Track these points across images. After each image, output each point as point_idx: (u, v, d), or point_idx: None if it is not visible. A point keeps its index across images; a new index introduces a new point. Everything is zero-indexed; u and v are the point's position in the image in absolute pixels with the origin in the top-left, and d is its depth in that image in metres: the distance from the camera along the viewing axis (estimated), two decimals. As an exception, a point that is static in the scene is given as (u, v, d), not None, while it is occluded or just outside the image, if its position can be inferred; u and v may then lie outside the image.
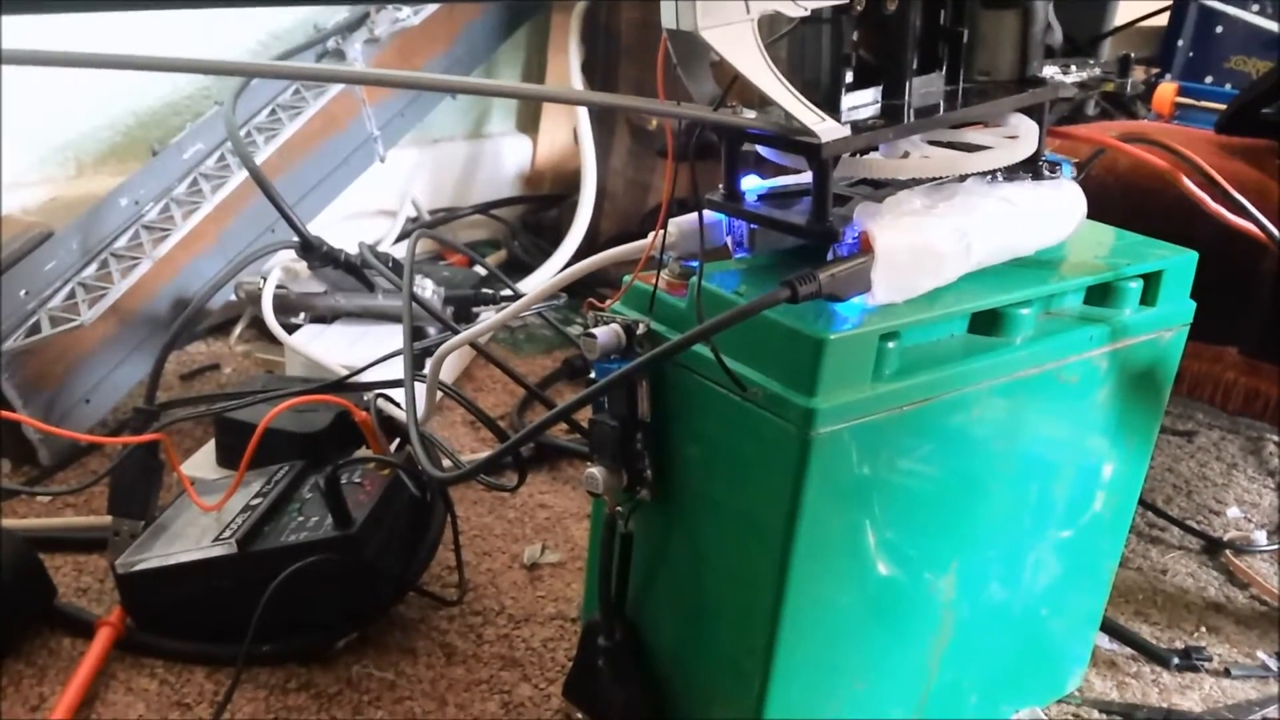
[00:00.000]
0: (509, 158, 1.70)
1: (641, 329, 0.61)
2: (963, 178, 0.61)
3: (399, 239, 1.51)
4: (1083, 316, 0.65)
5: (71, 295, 1.00)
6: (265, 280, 1.06)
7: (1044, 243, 0.64)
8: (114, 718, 0.74)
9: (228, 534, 0.79)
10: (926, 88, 0.61)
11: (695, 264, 0.61)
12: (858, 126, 0.56)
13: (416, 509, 0.85)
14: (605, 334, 0.61)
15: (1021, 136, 0.62)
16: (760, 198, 0.63)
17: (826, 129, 0.53)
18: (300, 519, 0.80)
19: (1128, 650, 0.85)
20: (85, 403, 1.03)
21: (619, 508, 0.65)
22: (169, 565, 0.79)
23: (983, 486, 0.65)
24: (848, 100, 0.58)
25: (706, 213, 0.63)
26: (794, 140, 0.55)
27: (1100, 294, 0.65)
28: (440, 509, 0.87)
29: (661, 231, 0.62)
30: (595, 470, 0.63)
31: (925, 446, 0.60)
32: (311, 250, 1.02)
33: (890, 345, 0.57)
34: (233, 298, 1.15)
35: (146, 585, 0.80)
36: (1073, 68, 0.69)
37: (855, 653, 0.64)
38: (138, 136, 1.27)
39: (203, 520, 0.83)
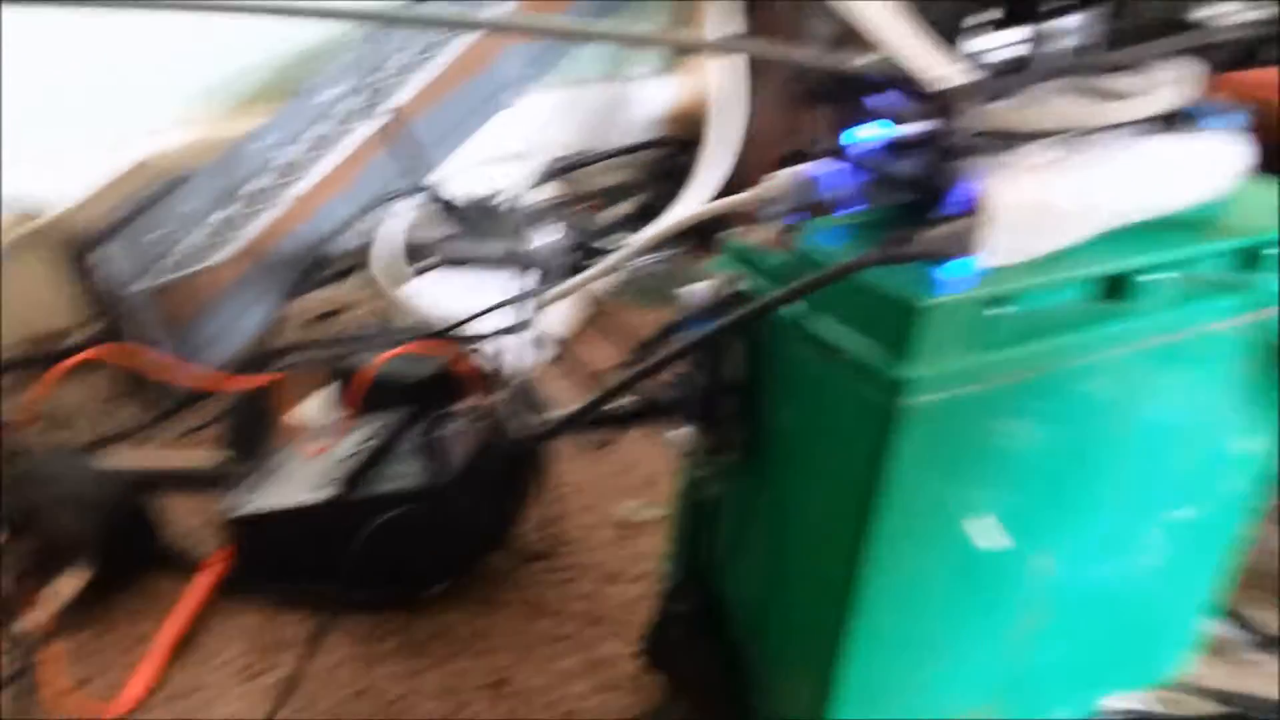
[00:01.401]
0: (652, 100, 1.66)
1: (737, 286, 0.57)
2: (1103, 129, 0.55)
3: (535, 183, 1.49)
4: (1222, 282, 0.58)
5: (204, 237, 1.02)
6: (387, 226, 1.06)
7: (1192, 200, 0.56)
8: (212, 652, 0.76)
9: (329, 480, 0.79)
10: (1069, 29, 0.54)
11: (800, 218, 0.57)
12: (984, 73, 0.50)
13: (513, 462, 0.84)
14: (698, 290, 0.57)
15: (1173, 83, 0.54)
16: (879, 148, 0.57)
17: (943, 76, 0.47)
18: (399, 468, 0.80)
19: (1243, 636, 0.78)
20: (216, 341, 1.05)
21: (704, 470, 0.61)
22: (272, 509, 0.80)
23: (1097, 461, 0.59)
24: (977, 43, 0.52)
25: (824, 164, 0.59)
26: (909, 88, 0.49)
27: (1248, 258, 0.58)
28: (536, 462, 0.86)
29: (765, 183, 0.58)
30: (681, 430, 0.60)
31: (1036, 418, 0.55)
32: (437, 198, 1.01)
33: (1000, 311, 0.51)
34: (361, 243, 1.16)
35: (251, 527, 0.81)
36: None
37: (941, 627, 0.59)
38: (290, 77, 1.27)
39: (310, 465, 0.83)
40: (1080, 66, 0.53)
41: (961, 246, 0.49)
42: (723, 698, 0.64)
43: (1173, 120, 0.56)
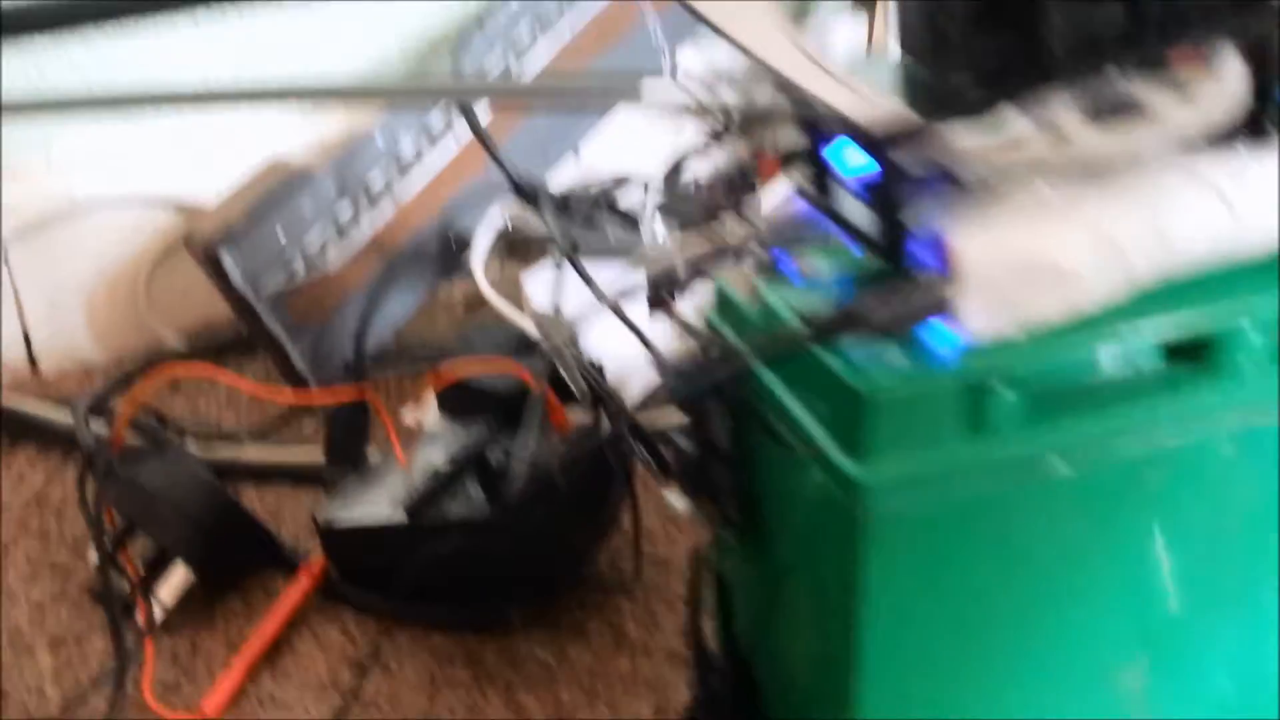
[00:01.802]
0: (840, 40, 1.53)
1: (712, 343, 0.50)
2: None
3: (706, 147, 1.42)
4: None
5: (326, 236, 1.03)
6: (489, 219, 1.04)
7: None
8: (295, 663, 0.78)
9: (403, 498, 0.78)
10: (1091, 17, 0.43)
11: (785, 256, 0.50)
12: (944, 102, 0.41)
13: (597, 486, 0.79)
14: (671, 347, 0.51)
15: (1234, 81, 0.42)
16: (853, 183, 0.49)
17: (872, 111, 0.39)
18: (469, 490, 0.78)
19: None
20: (356, 337, 1.07)
21: (711, 539, 0.56)
22: (354, 526, 0.80)
23: (1176, 564, 0.48)
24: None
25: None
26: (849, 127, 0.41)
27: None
28: (626, 486, 0.81)
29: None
30: (673, 495, 0.54)
31: (1080, 515, 0.45)
32: (524, 193, 0.98)
33: (1006, 392, 0.42)
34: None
35: (340, 540, 0.82)
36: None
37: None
38: (420, 68, 1.26)
39: (398, 475, 0.83)
40: (1091, 71, 0.41)
41: (926, 315, 0.41)
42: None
43: (1252, 127, 0.44)
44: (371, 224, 1.05)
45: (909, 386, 0.41)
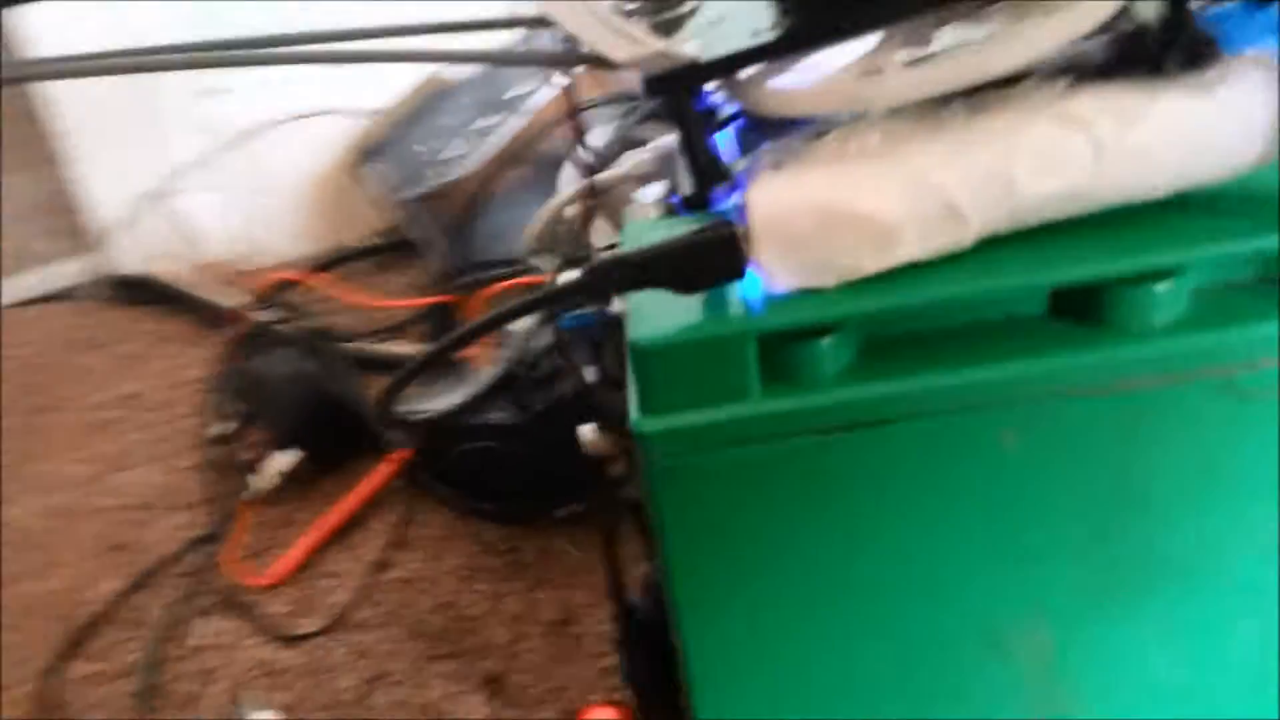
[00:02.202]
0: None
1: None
2: (1010, 84, 0.38)
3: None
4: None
5: (469, 145, 1.07)
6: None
7: (1177, 182, 0.38)
8: (360, 541, 0.85)
9: (464, 395, 0.82)
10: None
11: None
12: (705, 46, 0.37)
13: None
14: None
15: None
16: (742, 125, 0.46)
17: (637, 53, 0.37)
18: (510, 393, 0.81)
19: None
20: (498, 240, 1.11)
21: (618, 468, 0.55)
22: (416, 419, 0.85)
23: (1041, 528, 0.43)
24: None
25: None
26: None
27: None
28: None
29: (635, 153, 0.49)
30: (585, 428, 0.54)
31: (921, 475, 0.42)
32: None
33: (819, 342, 0.39)
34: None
35: (411, 431, 0.87)
36: None
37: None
38: None
39: (472, 374, 0.87)
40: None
41: (721, 270, 0.39)
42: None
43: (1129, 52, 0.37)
44: (512, 133, 1.08)
45: (692, 337, 0.39)
